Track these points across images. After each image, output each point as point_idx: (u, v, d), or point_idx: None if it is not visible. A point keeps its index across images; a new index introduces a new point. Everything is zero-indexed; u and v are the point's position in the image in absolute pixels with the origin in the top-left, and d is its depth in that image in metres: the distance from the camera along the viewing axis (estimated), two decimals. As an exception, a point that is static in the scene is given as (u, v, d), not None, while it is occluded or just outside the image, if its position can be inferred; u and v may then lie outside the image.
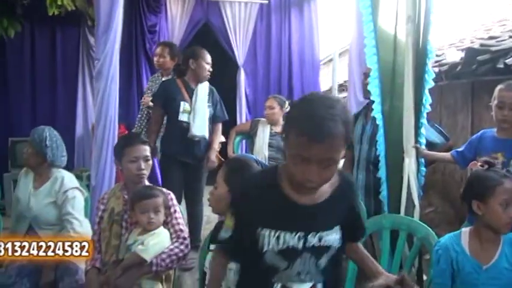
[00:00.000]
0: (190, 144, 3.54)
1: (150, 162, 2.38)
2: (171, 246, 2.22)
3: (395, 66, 2.43)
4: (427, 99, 2.18)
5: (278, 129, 4.11)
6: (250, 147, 4.16)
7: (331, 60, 6.43)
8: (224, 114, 3.76)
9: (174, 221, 2.32)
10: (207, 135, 3.57)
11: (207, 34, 5.59)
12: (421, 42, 2.21)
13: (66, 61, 5.12)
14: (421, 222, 2.27)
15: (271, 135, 4.06)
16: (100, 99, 3.18)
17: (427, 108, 2.21)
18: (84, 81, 5.07)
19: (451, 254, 1.93)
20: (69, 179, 2.69)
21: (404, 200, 2.36)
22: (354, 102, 3.42)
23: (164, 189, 2.39)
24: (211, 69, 3.68)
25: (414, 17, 2.28)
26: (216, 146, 3.71)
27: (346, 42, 6.03)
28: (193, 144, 3.55)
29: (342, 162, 3.87)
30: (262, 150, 3.97)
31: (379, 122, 2.49)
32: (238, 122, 5.74)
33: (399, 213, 2.44)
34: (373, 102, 2.56)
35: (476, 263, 1.86)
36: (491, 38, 3.87)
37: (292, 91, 5.66)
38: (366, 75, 2.88)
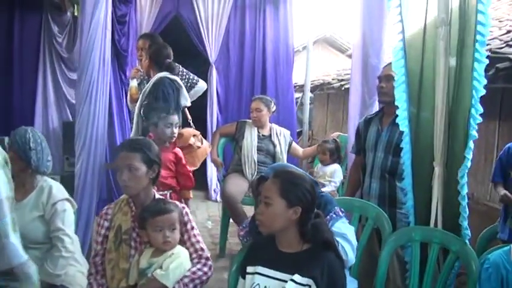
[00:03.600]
0: None
1: (139, 172, 2.05)
2: (194, 269, 1.98)
3: (423, 71, 2.31)
4: (479, 109, 2.06)
5: (265, 131, 3.93)
6: (236, 150, 3.93)
7: (304, 48, 6.30)
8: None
9: (193, 239, 2.06)
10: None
11: (178, 28, 5.33)
12: (464, 45, 2.10)
13: (24, 52, 4.56)
14: (455, 235, 2.18)
15: (259, 138, 3.86)
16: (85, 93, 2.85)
17: (477, 118, 2.08)
18: (45, 75, 4.55)
19: (501, 271, 1.87)
20: (57, 189, 2.35)
21: (435, 211, 2.25)
22: (359, 105, 3.30)
23: (177, 203, 2.13)
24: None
25: (447, 20, 2.18)
26: None
27: (319, 31, 5.95)
28: None
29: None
30: (251, 154, 3.77)
31: (405, 129, 2.37)
32: (208, 123, 5.52)
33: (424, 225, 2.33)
34: (396, 107, 2.43)
35: (527, 282, 1.80)
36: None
37: (266, 91, 5.54)
38: (383, 78, 2.77)
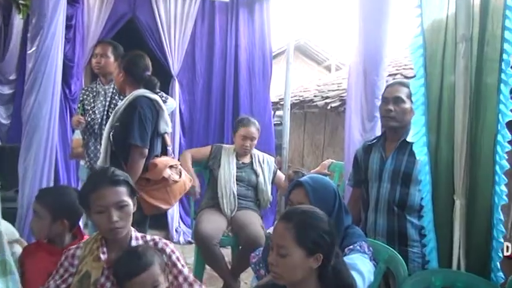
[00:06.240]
0: None
1: (129, 208, 2.16)
2: None
3: (442, 92, 2.49)
4: (506, 135, 2.23)
5: (246, 159, 4.03)
6: (211, 181, 4.00)
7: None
8: (129, 135, 3.15)
9: (191, 279, 2.19)
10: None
11: (134, 33, 5.38)
12: (487, 64, 2.29)
13: None
14: (482, 279, 2.33)
15: (239, 166, 3.95)
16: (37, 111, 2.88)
17: (506, 146, 2.24)
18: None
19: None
20: (6, 229, 2.36)
21: (457, 251, 2.40)
22: (359, 129, 3.46)
23: (158, 240, 2.23)
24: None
25: (469, 35, 2.37)
26: None
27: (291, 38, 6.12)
28: None
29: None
30: (229, 186, 3.85)
31: (423, 157, 2.53)
32: (169, 147, 5.54)
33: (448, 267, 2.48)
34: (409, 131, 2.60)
35: None
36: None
37: (239, 108, 5.67)
38: (391, 100, 2.94)
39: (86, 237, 2.49)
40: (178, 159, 4.20)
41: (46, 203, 2.42)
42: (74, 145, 3.95)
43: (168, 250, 2.20)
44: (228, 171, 3.90)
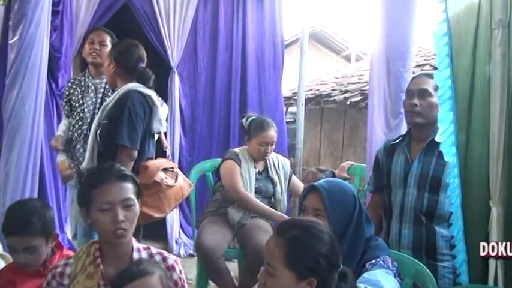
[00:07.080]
0: None
1: (136, 208, 2.14)
2: None
3: (474, 86, 2.49)
4: None
5: (260, 166, 3.99)
6: (220, 188, 3.98)
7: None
8: (116, 134, 3.13)
9: None
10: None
11: (129, 21, 5.39)
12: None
13: None
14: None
15: (256, 177, 3.91)
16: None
17: None
18: None
19: None
20: None
21: (494, 265, 2.39)
22: (383, 127, 3.45)
23: (167, 255, 2.23)
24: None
25: (506, 21, 2.36)
26: None
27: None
28: None
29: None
30: None
31: (452, 158, 2.52)
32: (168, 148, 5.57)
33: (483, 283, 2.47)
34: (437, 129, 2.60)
35: None
36: None
37: (246, 105, 5.67)
38: (416, 93, 2.93)
39: (66, 250, 2.49)
40: (180, 168, 4.17)
41: (37, 230, 2.33)
42: (60, 168, 3.89)
43: (177, 268, 2.20)
44: (247, 182, 3.82)
